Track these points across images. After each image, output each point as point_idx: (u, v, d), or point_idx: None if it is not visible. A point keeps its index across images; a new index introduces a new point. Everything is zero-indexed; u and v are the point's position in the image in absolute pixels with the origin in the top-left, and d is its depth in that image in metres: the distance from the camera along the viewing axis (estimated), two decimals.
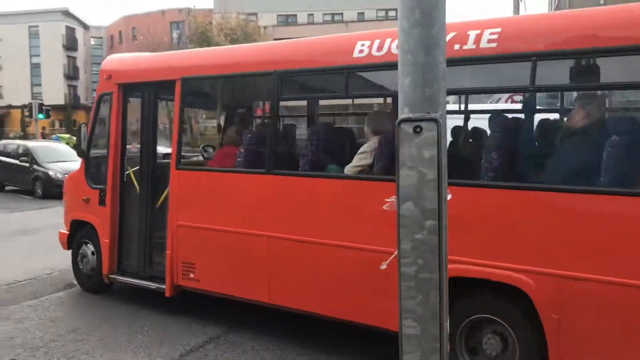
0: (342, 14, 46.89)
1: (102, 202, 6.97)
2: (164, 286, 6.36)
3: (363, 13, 45.97)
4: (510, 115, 5.27)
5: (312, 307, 5.38)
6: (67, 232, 7.57)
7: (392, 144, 4.76)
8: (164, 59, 7.17)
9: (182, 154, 6.86)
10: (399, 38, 1.98)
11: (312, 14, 47.75)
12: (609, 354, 3.89)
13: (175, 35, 47.56)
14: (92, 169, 7.28)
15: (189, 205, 6.17)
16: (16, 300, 7.00)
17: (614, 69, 4.48)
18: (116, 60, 7.41)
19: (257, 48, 6.69)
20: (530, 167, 4.55)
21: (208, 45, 30.37)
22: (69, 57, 57.96)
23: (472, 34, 4.52)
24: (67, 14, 58.92)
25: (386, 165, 4.98)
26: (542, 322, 4.08)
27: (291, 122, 6.94)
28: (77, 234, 7.45)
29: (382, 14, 46.08)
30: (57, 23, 57.55)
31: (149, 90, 6.83)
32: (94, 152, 7.35)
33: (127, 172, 6.99)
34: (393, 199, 2.02)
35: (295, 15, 48.25)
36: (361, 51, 5.08)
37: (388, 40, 4.93)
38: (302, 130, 7.44)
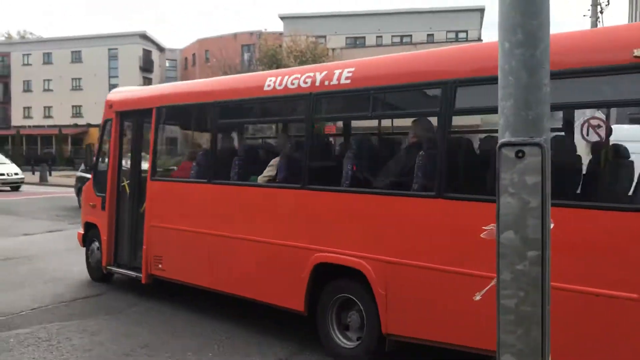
0: (410, 35, 46.69)
1: (103, 207, 8.59)
2: (141, 275, 7.78)
3: (432, 35, 45.64)
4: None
5: (238, 290, 6.66)
6: (82, 232, 9.19)
7: (288, 159, 6.43)
8: (145, 91, 8.89)
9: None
10: (499, 60, 1.90)
11: (380, 36, 47.80)
12: (417, 315, 4.98)
13: (246, 57, 48.70)
14: (98, 181, 8.86)
15: (158, 209, 7.68)
16: (92, 313, 7.22)
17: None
18: (117, 92, 9.11)
19: (202, 83, 8.32)
20: (374, 175, 5.77)
21: (278, 67, 30.90)
22: (144, 78, 60.16)
23: (337, 72, 5.78)
24: (144, 36, 61.32)
25: (285, 175, 6.31)
26: (375, 296, 5.23)
27: (229, 141, 8.34)
28: (88, 234, 9.04)
29: (452, 35, 45.65)
30: (134, 46, 59.99)
31: (137, 117, 8.44)
32: (101, 166, 9.00)
33: (122, 184, 8.52)
34: (492, 226, 1.92)
35: (364, 37, 48.45)
36: (269, 85, 6.38)
37: (286, 77, 6.26)
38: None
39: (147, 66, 61.07)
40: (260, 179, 6.58)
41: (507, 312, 1.81)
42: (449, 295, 4.75)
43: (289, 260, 5.97)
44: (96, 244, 8.83)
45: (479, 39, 41.21)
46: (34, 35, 74.70)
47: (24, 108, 62.66)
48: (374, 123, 7.49)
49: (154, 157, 7.86)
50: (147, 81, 59.70)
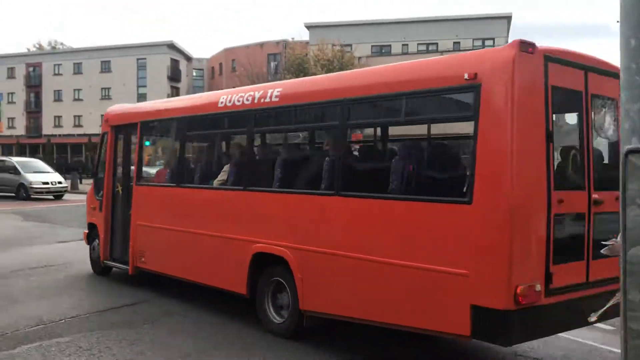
0: (437, 43, 46.40)
1: (100, 209, 9.83)
2: (128, 267, 8.95)
3: (459, 42, 45.28)
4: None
5: (197, 278, 7.84)
6: (87, 232, 10.43)
7: (236, 165, 7.62)
8: (133, 108, 10.49)
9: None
10: (622, 59, 1.74)
11: (406, 44, 47.59)
12: (325, 294, 6.03)
13: (272, 66, 48.87)
14: (97, 186, 10.16)
15: (141, 210, 8.89)
16: (130, 322, 7.17)
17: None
18: (113, 108, 10.49)
19: (174, 101, 10.11)
20: (297, 178, 6.76)
21: (305, 76, 30.87)
22: (172, 87, 60.73)
23: (270, 92, 6.83)
24: (172, 46, 61.93)
25: (234, 179, 7.47)
26: (294, 278, 6.26)
27: (195, 150, 9.72)
28: (91, 233, 10.23)
29: (479, 43, 45.20)
30: (162, 55, 60.64)
31: (127, 130, 9.69)
32: (100, 173, 10.24)
33: (116, 189, 9.72)
34: (614, 241, 1.75)
35: (390, 45, 48.29)
36: (221, 102, 7.49)
37: (235, 95, 7.33)
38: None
39: (174, 75, 61.65)
40: (215, 182, 7.77)
41: (637, 337, 1.64)
42: (348, 277, 5.73)
43: (234, 251, 7.06)
44: (97, 241, 9.99)
45: None
46: (64, 45, 76.11)
47: (55, 117, 63.77)
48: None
49: (140, 165, 9.29)
50: (175, 90, 60.27)
